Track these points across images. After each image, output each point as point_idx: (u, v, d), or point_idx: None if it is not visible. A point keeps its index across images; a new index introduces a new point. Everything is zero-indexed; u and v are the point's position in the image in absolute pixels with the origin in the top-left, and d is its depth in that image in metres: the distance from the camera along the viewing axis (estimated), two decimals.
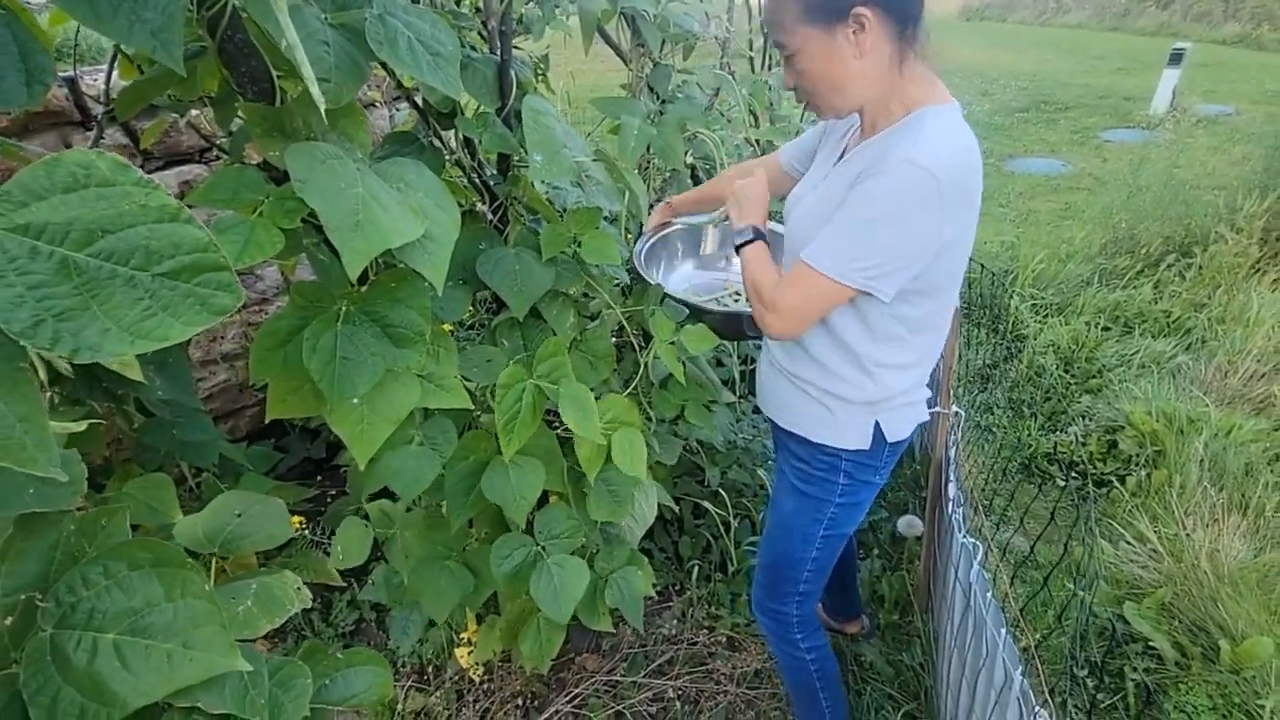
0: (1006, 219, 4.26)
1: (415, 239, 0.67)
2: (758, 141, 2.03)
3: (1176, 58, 6.10)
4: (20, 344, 0.31)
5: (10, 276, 0.30)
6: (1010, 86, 7.81)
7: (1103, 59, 9.34)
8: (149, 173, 1.62)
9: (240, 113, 0.61)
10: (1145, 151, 5.22)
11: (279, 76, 0.66)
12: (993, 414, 2.52)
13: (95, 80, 1.57)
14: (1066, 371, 2.68)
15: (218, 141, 1.58)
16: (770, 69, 2.17)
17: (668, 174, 1.77)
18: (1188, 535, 1.79)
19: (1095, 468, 2.19)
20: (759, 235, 1.01)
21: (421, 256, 0.69)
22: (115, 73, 0.97)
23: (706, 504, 1.74)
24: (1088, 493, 2.12)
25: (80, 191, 0.32)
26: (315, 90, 0.51)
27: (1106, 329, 2.92)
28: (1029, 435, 2.34)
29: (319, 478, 2.18)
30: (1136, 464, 2.15)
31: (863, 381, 1.01)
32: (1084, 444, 2.27)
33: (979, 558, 1.05)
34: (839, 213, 0.87)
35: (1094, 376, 2.64)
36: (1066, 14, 13.47)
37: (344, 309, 0.73)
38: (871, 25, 0.82)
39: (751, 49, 2.18)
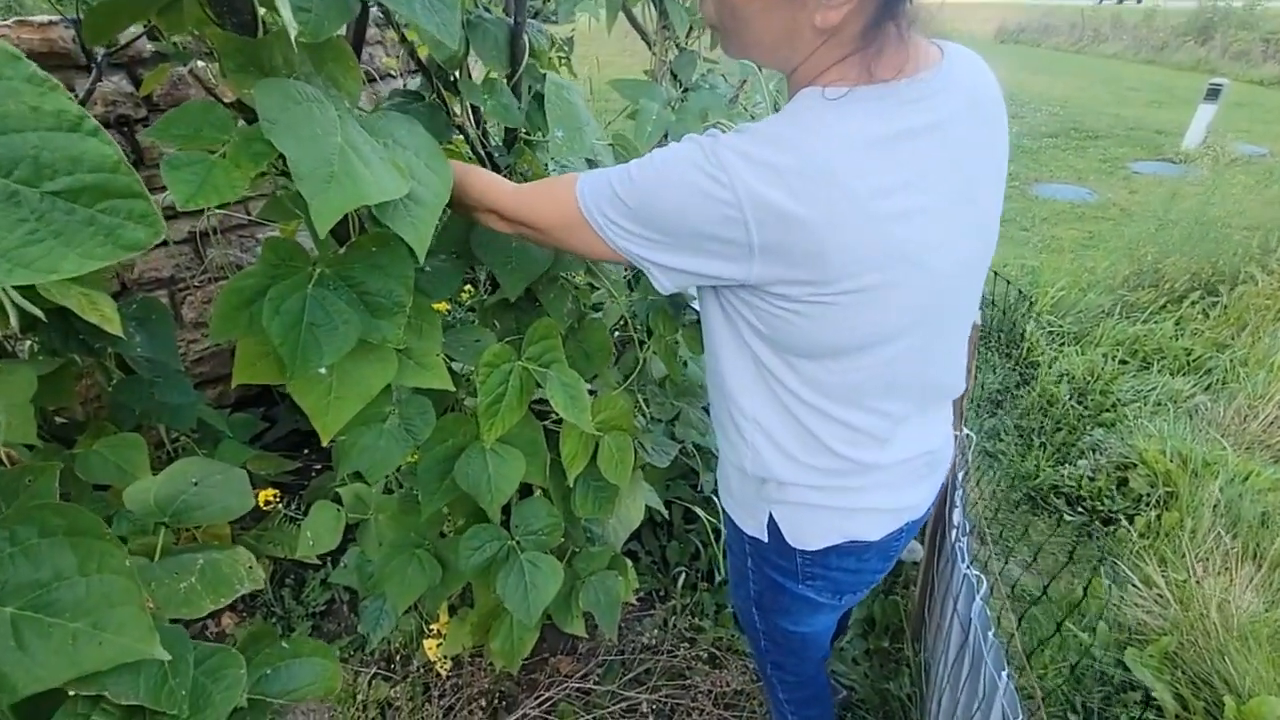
0: (1029, 243, 4.17)
1: (398, 199, 0.61)
2: None
3: (1214, 93, 5.98)
4: None
5: None
6: (1041, 111, 7.70)
7: (1137, 90, 9.20)
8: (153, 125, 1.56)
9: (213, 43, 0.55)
10: (1176, 185, 5.12)
11: (262, 16, 0.61)
12: (1001, 440, 2.45)
13: None
14: (1080, 403, 2.61)
15: (221, 94, 1.53)
16: None
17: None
18: (1197, 583, 1.71)
19: (1104, 504, 2.11)
20: None
21: (404, 219, 0.63)
22: None
23: (698, 510, 1.67)
24: (1094, 530, 2.04)
25: None
26: (288, 14, 0.45)
27: (1124, 362, 2.83)
28: (1037, 466, 2.27)
29: (305, 450, 2.13)
30: (1147, 504, 2.07)
31: (734, 437, 0.79)
32: (1093, 479, 2.20)
33: (982, 592, 0.98)
34: None
35: (1108, 410, 2.56)
36: (1103, 42, 13.30)
37: (317, 271, 0.67)
38: None
39: None
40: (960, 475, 1.24)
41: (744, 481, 0.83)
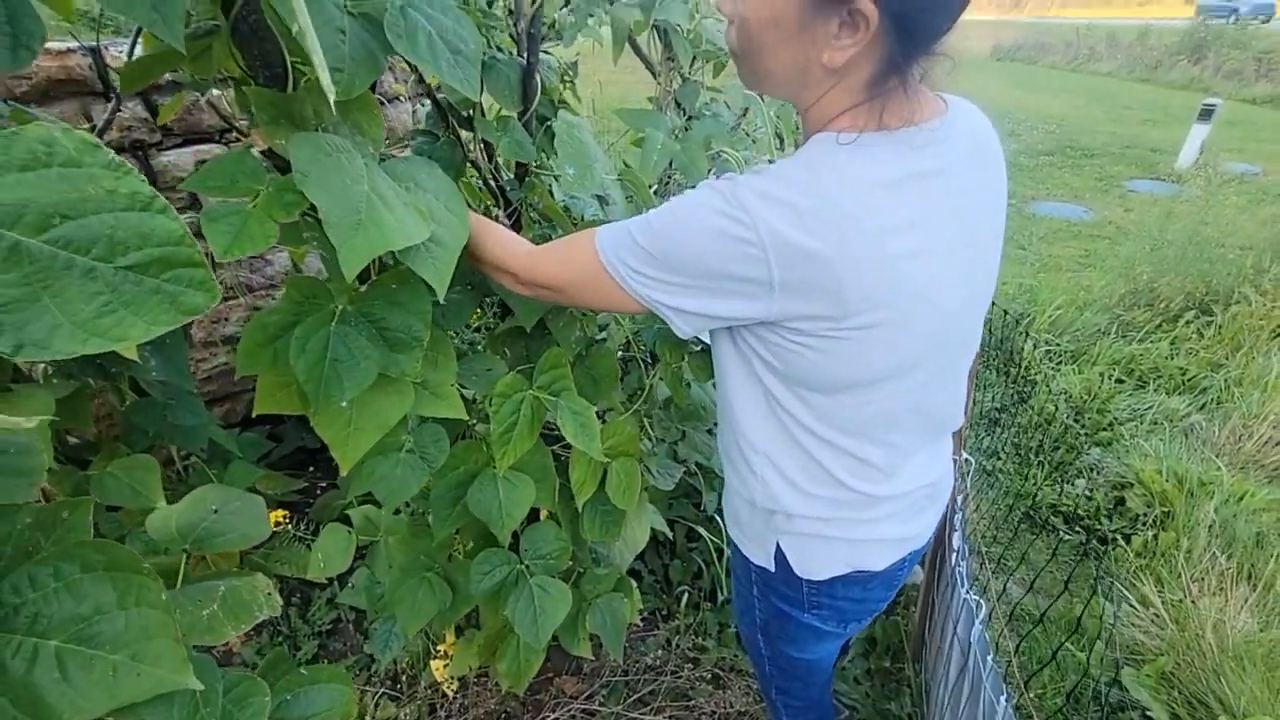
0: (1026, 262, 4.21)
1: (420, 242, 0.64)
2: None
3: (1207, 113, 6.06)
4: None
5: None
6: (1037, 129, 7.79)
7: (1131, 109, 9.31)
8: (167, 150, 1.61)
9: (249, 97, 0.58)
10: (1170, 205, 5.18)
11: (294, 62, 0.64)
12: (1000, 458, 2.47)
13: (119, 53, 1.56)
14: (1077, 421, 2.63)
15: (236, 123, 1.57)
16: None
17: (686, 189, 1.75)
18: (1193, 603, 1.73)
19: (1101, 524, 2.13)
20: None
21: (425, 260, 0.66)
22: (139, 47, 0.95)
23: (701, 529, 1.69)
24: (1092, 549, 2.06)
25: (40, 171, 0.29)
26: (325, 78, 0.48)
27: (1120, 381, 2.86)
28: (1035, 484, 2.29)
29: (310, 468, 2.15)
30: (1143, 523, 2.09)
31: (744, 470, 0.81)
32: (1090, 498, 2.22)
33: (981, 616, 1.00)
34: None
35: (1104, 429, 2.59)
36: (1098, 61, 13.48)
37: (339, 308, 0.69)
38: (867, 33, 0.58)
39: None
40: (959, 499, 1.26)
41: (753, 513, 0.85)
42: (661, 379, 1.09)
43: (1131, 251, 3.97)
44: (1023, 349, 2.96)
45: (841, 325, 0.64)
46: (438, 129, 0.99)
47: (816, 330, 0.65)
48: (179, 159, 1.73)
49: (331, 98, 0.49)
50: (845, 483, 0.76)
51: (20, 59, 0.40)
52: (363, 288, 0.73)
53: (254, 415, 0.77)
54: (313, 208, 0.56)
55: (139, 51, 1.03)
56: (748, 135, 2.00)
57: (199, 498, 0.83)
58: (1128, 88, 11.33)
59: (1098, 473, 2.34)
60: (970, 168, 0.69)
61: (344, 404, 0.71)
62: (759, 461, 0.79)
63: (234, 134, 1.76)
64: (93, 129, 1.53)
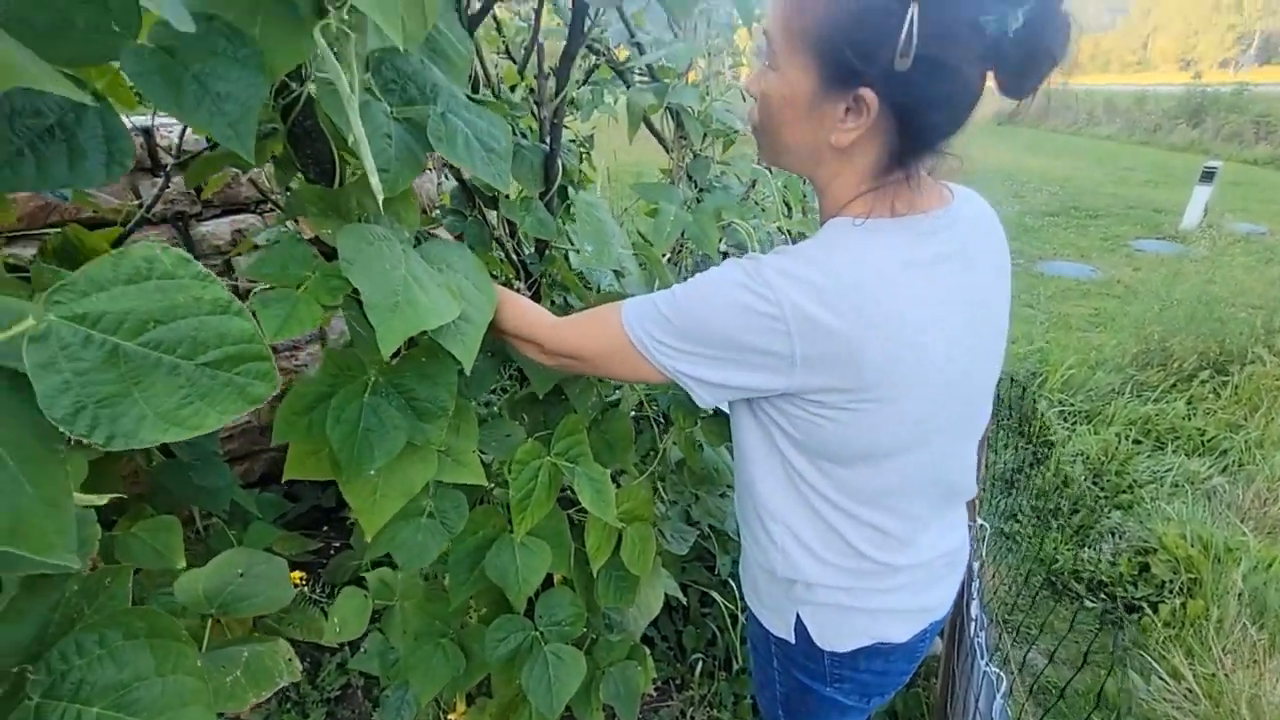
0: (1036, 321, 4.24)
1: (450, 320, 0.68)
2: (789, 231, 2.07)
3: (1209, 175, 6.19)
4: (59, 429, 0.32)
5: (60, 363, 0.31)
6: (1041, 191, 7.97)
7: (1133, 170, 9.51)
8: (205, 220, 1.69)
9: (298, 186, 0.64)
10: (1178, 265, 5.23)
11: (341, 158, 0.70)
12: (1018, 521, 2.44)
13: (170, 132, 1.67)
14: (1095, 484, 2.60)
15: (273, 196, 1.66)
16: None
17: (700, 257, 1.81)
18: (1226, 676, 1.67)
19: (1126, 591, 2.08)
20: None
21: (454, 337, 0.70)
22: (189, 129, 1.03)
23: (715, 594, 1.67)
24: (1118, 618, 2.00)
25: (141, 283, 0.34)
26: (375, 181, 0.54)
27: (1138, 442, 2.84)
28: (1056, 549, 2.25)
29: (325, 527, 2.16)
30: (1170, 591, 2.04)
31: (763, 540, 0.82)
32: (1114, 564, 2.17)
33: (1003, 690, 0.98)
34: None
35: (1124, 491, 2.55)
36: (1098, 125, 13.86)
37: (372, 380, 0.73)
38: (868, 120, 0.63)
39: None
40: (975, 566, 1.25)
41: (772, 583, 0.85)
42: (675, 443, 1.11)
43: (1141, 310, 3.99)
44: (1035, 409, 2.96)
45: (860, 398, 0.67)
46: (465, 208, 1.05)
47: (836, 402, 0.68)
48: (216, 229, 1.83)
49: (380, 197, 0.54)
50: (865, 553, 0.77)
51: (113, 174, 0.45)
52: (393, 360, 0.78)
53: (283, 480, 0.80)
54: (354, 289, 0.61)
55: (189, 131, 1.12)
56: (757, 204, 2.08)
57: (225, 561, 0.85)
58: (1129, 150, 11.60)
59: (1119, 537, 2.29)
60: (977, 250, 0.73)
61: (372, 471, 0.74)
62: (778, 530, 0.80)
63: (269, 205, 1.86)
64: (140, 204, 1.63)
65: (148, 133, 1.67)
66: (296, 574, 1.53)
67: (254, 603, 0.80)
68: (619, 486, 1.04)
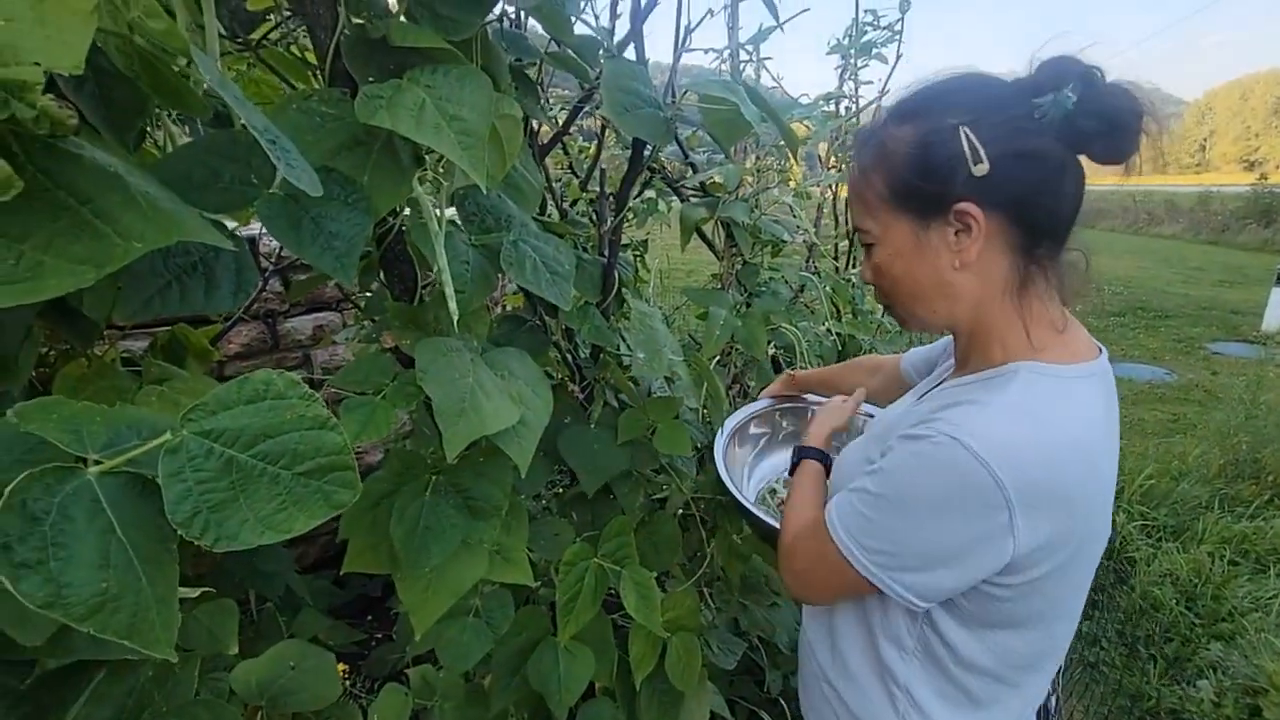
0: None
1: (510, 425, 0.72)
2: (839, 335, 2.10)
3: None
4: (177, 531, 0.36)
5: (186, 472, 0.36)
6: (1104, 289, 7.79)
7: (1202, 270, 9.23)
8: (292, 317, 1.85)
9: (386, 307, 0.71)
10: (1261, 369, 4.94)
11: (422, 280, 0.78)
12: (1102, 648, 2.22)
13: (270, 241, 1.87)
14: (1189, 609, 2.36)
15: (353, 297, 1.81)
16: (854, 267, 2.30)
17: (747, 358, 1.84)
18: None
19: None
20: (816, 457, 0.89)
21: (513, 440, 0.74)
22: None
23: (764, 713, 1.57)
24: None
25: (258, 403, 0.39)
26: (453, 304, 0.60)
27: (1235, 563, 2.59)
28: (1148, 683, 2.03)
29: (369, 616, 2.16)
30: None
31: (884, 711, 0.77)
32: (1219, 704, 1.93)
33: None
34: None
35: (1224, 620, 2.30)
36: (1159, 225, 13.62)
37: (433, 480, 0.78)
38: (980, 230, 0.63)
39: (836, 253, 2.33)
40: (1053, 702, 1.14)
41: None
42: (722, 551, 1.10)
43: (1224, 418, 3.75)
44: (1114, 521, 2.76)
45: (1057, 554, 0.63)
46: (526, 314, 1.13)
47: (1040, 560, 0.63)
48: (300, 324, 1.99)
49: (455, 316, 0.60)
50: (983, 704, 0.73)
51: (239, 301, 0.52)
52: (453, 460, 0.82)
53: (342, 572, 0.83)
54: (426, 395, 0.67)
55: None
56: (806, 308, 2.13)
57: (278, 654, 0.87)
58: (1196, 249, 11.31)
59: (1222, 672, 2.05)
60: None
61: (428, 569, 0.76)
62: (905, 706, 0.75)
63: (349, 304, 2.02)
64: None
65: (252, 241, 1.87)
66: (341, 666, 1.53)
67: (301, 698, 0.82)
68: (664, 592, 1.03)
